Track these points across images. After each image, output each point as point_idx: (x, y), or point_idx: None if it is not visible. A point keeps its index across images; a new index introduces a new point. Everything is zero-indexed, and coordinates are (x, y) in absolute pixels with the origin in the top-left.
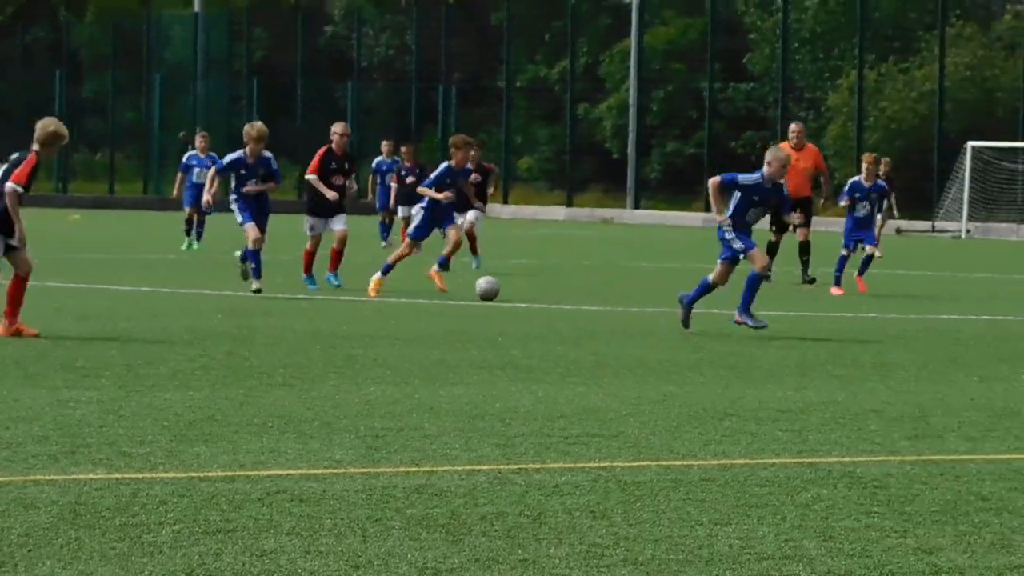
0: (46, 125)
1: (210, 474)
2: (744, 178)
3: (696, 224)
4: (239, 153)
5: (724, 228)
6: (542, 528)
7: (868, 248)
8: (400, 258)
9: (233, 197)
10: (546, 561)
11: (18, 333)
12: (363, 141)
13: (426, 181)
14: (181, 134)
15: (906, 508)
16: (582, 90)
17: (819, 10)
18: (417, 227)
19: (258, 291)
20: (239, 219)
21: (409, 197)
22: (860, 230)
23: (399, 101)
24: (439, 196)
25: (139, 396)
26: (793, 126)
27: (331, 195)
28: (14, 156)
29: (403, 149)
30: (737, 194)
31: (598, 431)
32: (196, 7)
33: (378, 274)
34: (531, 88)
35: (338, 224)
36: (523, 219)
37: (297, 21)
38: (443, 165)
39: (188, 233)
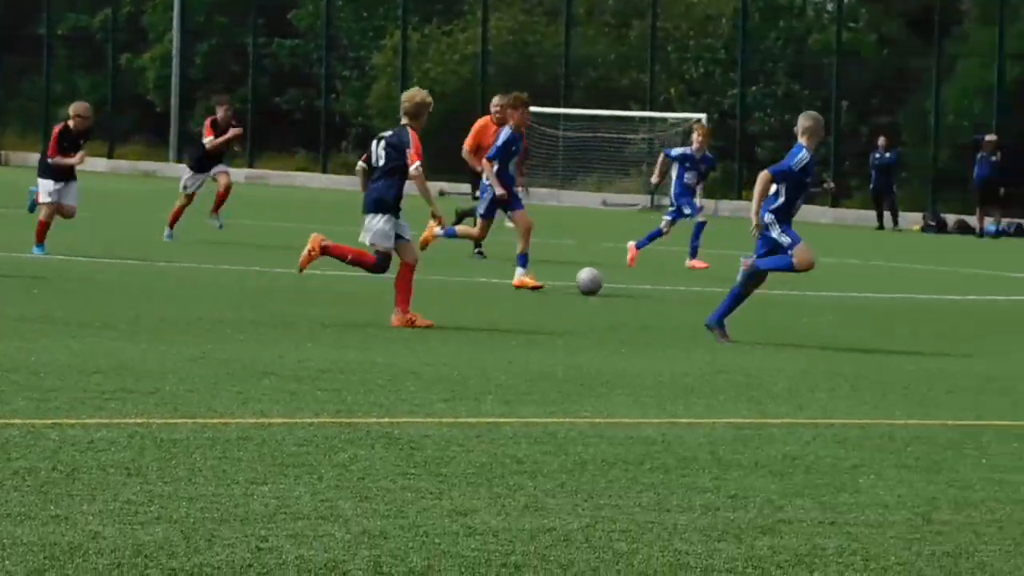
0: (412, 96)
1: None
2: (795, 164)
3: (239, 180)
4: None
5: (770, 226)
6: (76, 484)
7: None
8: (470, 236)
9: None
10: (79, 517)
11: (411, 323)
12: None
13: (491, 153)
14: None
15: (442, 469)
16: (125, 40)
17: None
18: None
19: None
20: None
21: None
22: (685, 196)
23: None
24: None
25: None
26: (496, 99)
27: (76, 160)
28: (391, 138)
29: None
30: (781, 185)
31: (135, 387)
32: None
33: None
34: (72, 36)
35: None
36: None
37: None
38: (506, 131)
39: None
